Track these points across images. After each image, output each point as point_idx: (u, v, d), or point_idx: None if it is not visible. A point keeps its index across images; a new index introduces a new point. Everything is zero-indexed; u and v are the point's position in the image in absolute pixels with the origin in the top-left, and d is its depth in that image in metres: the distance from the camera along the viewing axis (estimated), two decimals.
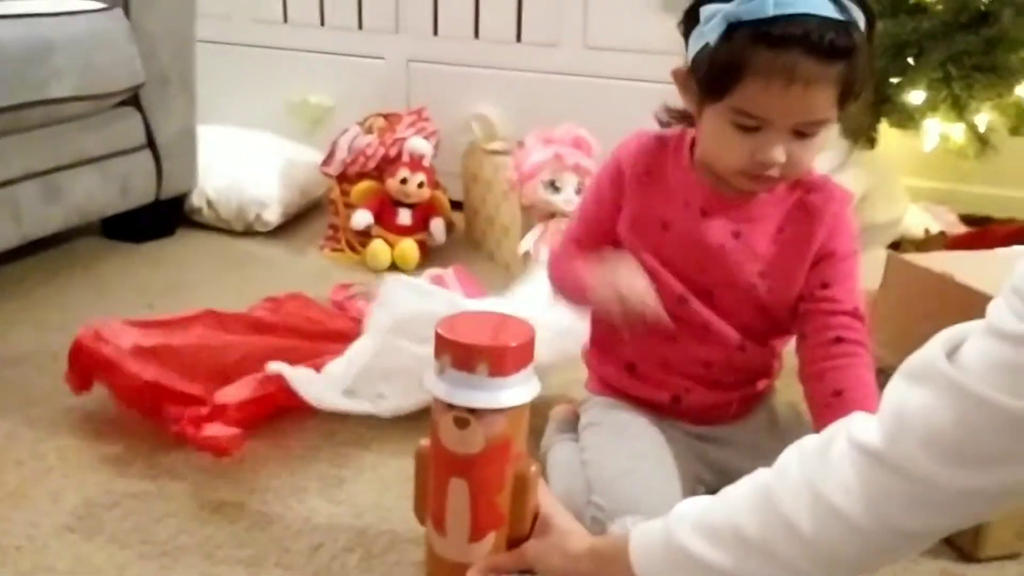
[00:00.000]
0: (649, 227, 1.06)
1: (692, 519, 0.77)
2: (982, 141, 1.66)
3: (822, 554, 0.70)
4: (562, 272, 1.11)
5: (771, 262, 1.03)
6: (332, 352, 1.38)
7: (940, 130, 1.70)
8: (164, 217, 2.08)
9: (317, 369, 1.29)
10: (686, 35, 0.98)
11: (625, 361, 1.12)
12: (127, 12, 1.87)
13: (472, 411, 0.85)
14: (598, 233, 1.10)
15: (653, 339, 1.05)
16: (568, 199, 1.84)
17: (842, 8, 0.90)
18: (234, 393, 1.21)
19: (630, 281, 0.98)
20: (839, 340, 1.00)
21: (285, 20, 2.45)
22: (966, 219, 2.17)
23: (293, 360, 1.31)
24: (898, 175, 1.94)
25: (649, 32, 2.05)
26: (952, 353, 0.65)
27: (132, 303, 1.75)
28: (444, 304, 1.37)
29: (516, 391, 0.87)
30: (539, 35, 2.24)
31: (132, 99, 1.92)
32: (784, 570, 0.72)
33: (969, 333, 0.66)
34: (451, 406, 0.86)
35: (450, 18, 2.31)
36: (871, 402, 0.83)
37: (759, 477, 0.76)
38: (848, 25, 0.90)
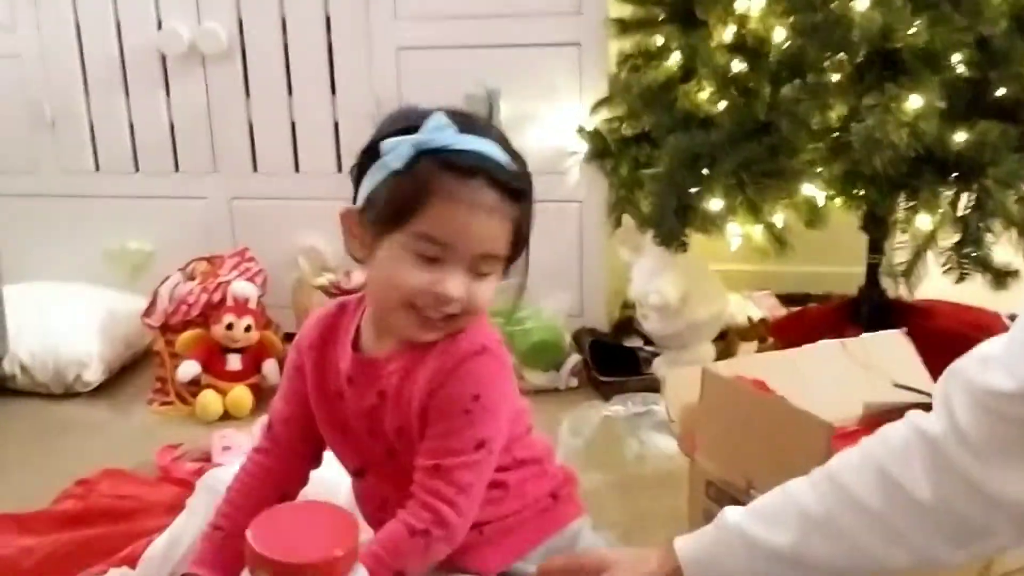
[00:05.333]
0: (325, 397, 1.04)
1: (743, 511, 0.83)
2: (779, 240, 1.76)
3: (889, 527, 0.76)
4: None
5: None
6: (151, 531, 1.30)
7: (741, 231, 1.80)
8: None
9: (132, 562, 1.21)
10: (359, 176, 0.98)
11: None
12: None
13: None
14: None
15: None
16: None
17: (518, 160, 0.96)
18: None
19: None
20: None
21: (97, 168, 2.38)
22: (786, 298, 2.29)
23: (106, 550, 1.24)
24: (713, 273, 2.03)
25: None
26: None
27: None
28: None
29: None
30: None
31: None
32: (849, 545, 0.78)
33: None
34: None
35: (270, 154, 2.30)
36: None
37: (815, 471, 0.82)
38: (525, 174, 0.96)
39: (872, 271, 1.89)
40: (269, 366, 1.99)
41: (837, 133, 1.65)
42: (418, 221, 0.92)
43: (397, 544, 0.95)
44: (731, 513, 0.86)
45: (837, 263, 2.07)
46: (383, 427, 1.00)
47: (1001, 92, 1.64)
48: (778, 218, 1.79)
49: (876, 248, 1.89)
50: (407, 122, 0.95)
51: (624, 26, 1.97)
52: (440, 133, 0.93)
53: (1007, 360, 0.72)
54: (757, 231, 1.79)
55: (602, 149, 1.97)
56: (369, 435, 1.01)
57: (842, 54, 1.63)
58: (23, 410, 1.97)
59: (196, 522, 1.28)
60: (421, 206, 0.92)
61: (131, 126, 2.34)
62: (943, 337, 1.53)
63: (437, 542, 0.95)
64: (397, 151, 0.93)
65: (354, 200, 0.98)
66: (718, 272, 2.08)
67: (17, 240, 2.27)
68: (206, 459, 1.66)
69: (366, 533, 1.00)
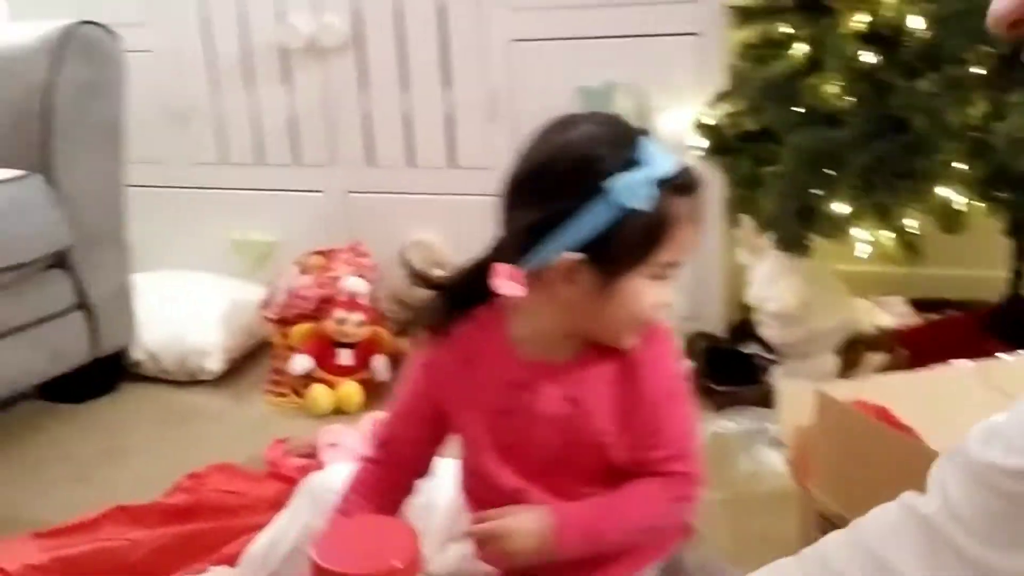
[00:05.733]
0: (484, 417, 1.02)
1: None
2: (912, 247, 1.63)
3: None
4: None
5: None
6: (254, 528, 1.33)
7: (871, 236, 1.68)
8: (102, 375, 2.04)
9: (233, 560, 1.23)
10: (556, 223, 0.92)
11: None
12: (49, 177, 1.86)
13: None
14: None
15: None
16: None
17: None
18: None
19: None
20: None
21: (223, 160, 2.45)
22: (920, 304, 2.14)
23: (210, 546, 1.27)
24: (837, 279, 1.91)
25: None
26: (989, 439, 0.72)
27: (65, 476, 1.70)
28: None
29: None
30: (473, 159, 2.24)
31: (59, 261, 1.90)
32: None
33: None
34: None
35: (385, 147, 2.31)
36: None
37: (804, 551, 0.80)
38: None
39: (1016, 280, 1.74)
40: (379, 362, 2.01)
41: (978, 132, 1.51)
42: (662, 252, 0.94)
43: (646, 495, 0.98)
44: None
45: (978, 266, 1.92)
46: (581, 434, 0.99)
47: None
48: (910, 222, 1.66)
49: (1022, 254, 1.74)
50: (611, 153, 0.92)
51: (746, 14, 1.87)
52: (662, 159, 0.93)
53: (1009, 435, 0.68)
54: (887, 235, 1.66)
55: (721, 145, 1.88)
56: (564, 445, 0.99)
57: (984, 45, 1.49)
58: (148, 399, 2.05)
59: (297, 524, 1.30)
60: (666, 237, 0.93)
61: (254, 119, 2.40)
62: None
63: (681, 507, 1.00)
64: (637, 192, 0.91)
65: (524, 244, 0.94)
66: (845, 273, 1.95)
67: (148, 229, 2.36)
68: (312, 454, 1.68)
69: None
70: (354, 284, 2.00)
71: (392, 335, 2.09)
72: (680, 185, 0.94)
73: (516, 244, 0.96)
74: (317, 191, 2.38)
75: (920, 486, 1.01)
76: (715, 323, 2.10)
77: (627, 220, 0.91)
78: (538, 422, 0.99)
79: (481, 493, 1.05)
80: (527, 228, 0.94)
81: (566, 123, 0.97)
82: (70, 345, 1.93)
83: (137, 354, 2.10)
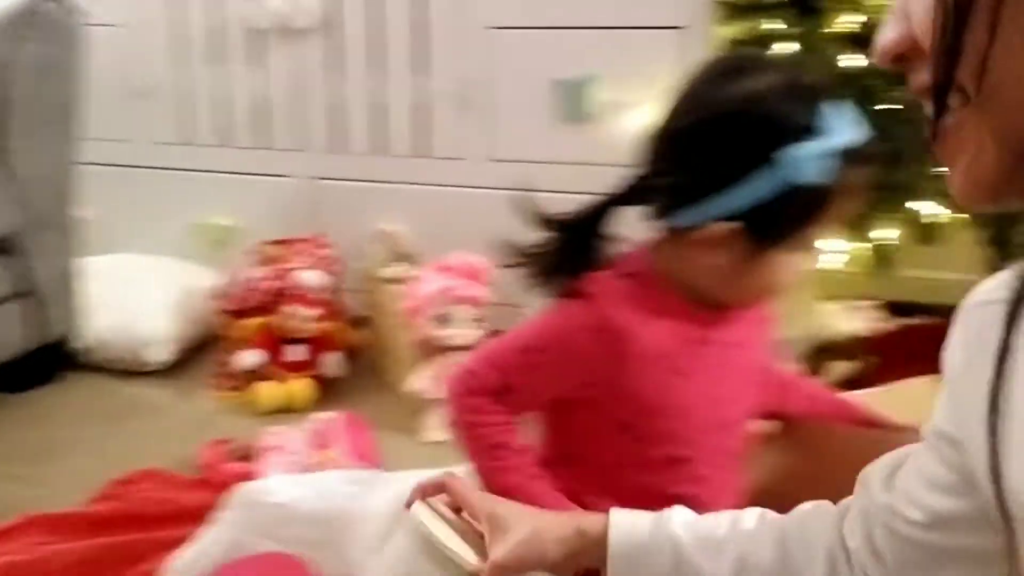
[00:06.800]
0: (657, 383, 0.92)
1: (689, 525, 0.76)
2: (883, 259, 1.54)
3: None
4: (480, 448, 0.94)
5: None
6: (181, 540, 1.25)
7: (845, 248, 1.59)
8: (43, 364, 1.95)
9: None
10: (715, 188, 0.84)
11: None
12: (1, 159, 1.77)
13: None
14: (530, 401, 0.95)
15: None
16: (459, 333, 1.72)
17: None
18: None
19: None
20: None
21: (187, 141, 2.36)
22: (896, 307, 2.04)
23: (130, 560, 1.19)
24: (805, 284, 1.82)
25: (551, 143, 1.99)
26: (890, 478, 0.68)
27: None
28: (308, 499, 1.22)
29: None
30: (445, 149, 2.15)
31: (2, 246, 1.81)
32: None
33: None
34: None
35: (355, 134, 2.22)
36: None
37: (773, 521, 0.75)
38: None
39: None
40: (331, 360, 1.92)
41: None
42: (824, 224, 0.87)
43: None
44: (677, 519, 0.76)
45: (954, 269, 1.83)
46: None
47: None
48: (886, 233, 1.57)
49: (1000, 261, 1.65)
50: (791, 118, 0.82)
51: (733, 10, 1.78)
52: (841, 127, 0.84)
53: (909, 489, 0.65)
54: (862, 246, 1.58)
55: None
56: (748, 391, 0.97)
57: None
58: (91, 390, 1.96)
59: (224, 538, 1.23)
60: (832, 209, 0.86)
61: (221, 100, 2.30)
62: None
63: None
64: (812, 166, 0.82)
65: (675, 205, 0.87)
66: (815, 275, 1.85)
67: (107, 210, 2.27)
68: (250, 457, 1.60)
69: None
70: (308, 278, 1.91)
71: (349, 329, 2.00)
72: (855, 156, 0.85)
73: (660, 199, 0.88)
74: (284, 176, 2.29)
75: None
76: None
77: (793, 193, 0.83)
78: (737, 371, 0.95)
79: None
80: (681, 185, 0.86)
81: (743, 68, 0.87)
82: (9, 332, 1.84)
83: (83, 342, 2.02)
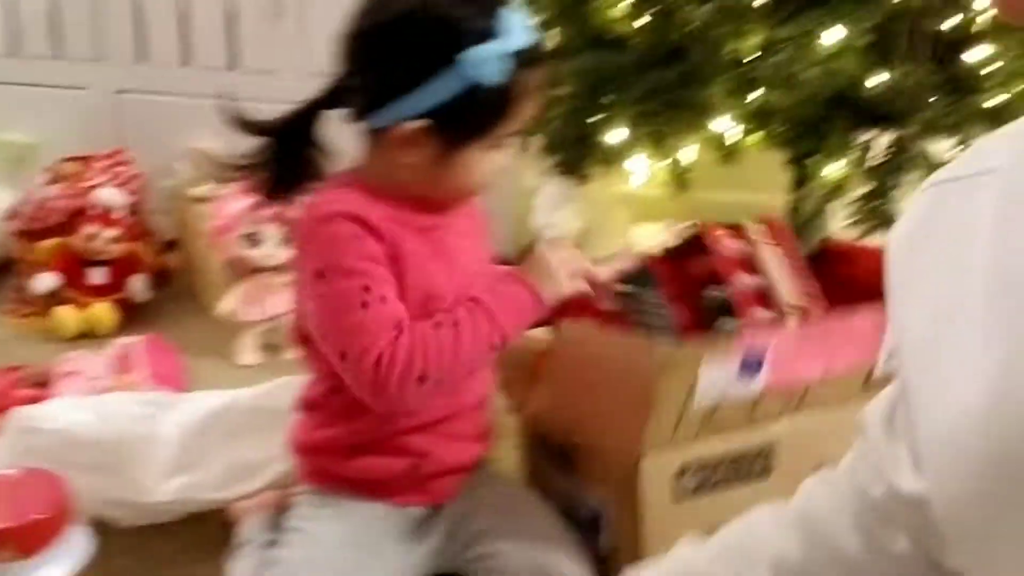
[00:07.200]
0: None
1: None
2: (679, 180, 1.60)
3: None
4: (452, 346, 0.91)
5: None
6: None
7: (645, 166, 1.64)
8: None
9: None
10: (401, 88, 0.87)
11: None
12: None
13: None
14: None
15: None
16: (269, 253, 1.69)
17: None
18: None
19: (571, 259, 0.98)
20: None
21: None
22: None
23: None
24: (620, 205, 1.88)
25: None
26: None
27: None
28: (89, 423, 1.18)
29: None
30: (257, 62, 2.07)
31: None
32: None
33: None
34: None
35: (158, 42, 2.10)
36: None
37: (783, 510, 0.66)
38: None
39: (795, 206, 1.75)
40: (137, 281, 1.85)
41: (751, 65, 1.48)
42: (510, 123, 0.92)
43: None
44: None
45: (755, 190, 1.91)
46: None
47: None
48: (685, 152, 1.63)
49: (801, 183, 1.74)
50: (470, 21, 0.87)
51: None
52: (518, 30, 0.89)
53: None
54: (660, 165, 1.63)
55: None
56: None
57: None
58: None
59: None
60: (515, 109, 0.91)
61: (8, 2, 2.12)
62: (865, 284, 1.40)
63: None
64: (491, 66, 0.86)
65: (367, 107, 0.90)
66: (631, 197, 1.91)
67: None
68: (46, 384, 1.53)
69: None
70: (109, 196, 1.82)
71: (156, 251, 1.93)
72: (532, 58, 0.90)
73: (355, 100, 0.91)
74: (80, 88, 2.15)
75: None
76: (504, 246, 2.04)
77: (476, 93, 0.87)
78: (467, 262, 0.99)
79: None
80: (369, 87, 0.90)
81: None
82: None
83: None
